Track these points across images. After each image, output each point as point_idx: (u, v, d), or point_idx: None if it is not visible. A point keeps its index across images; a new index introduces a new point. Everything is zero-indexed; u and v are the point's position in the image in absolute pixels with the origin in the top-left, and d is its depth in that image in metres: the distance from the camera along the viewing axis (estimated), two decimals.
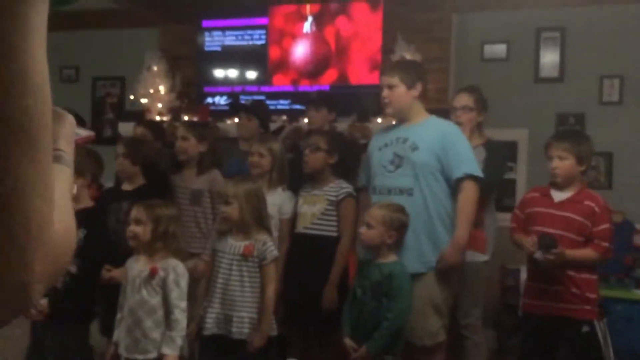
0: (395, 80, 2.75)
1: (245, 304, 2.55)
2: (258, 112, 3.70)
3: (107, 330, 3.03)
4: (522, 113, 4.20)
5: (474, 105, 3.13)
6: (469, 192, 2.64)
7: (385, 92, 2.77)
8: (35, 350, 2.74)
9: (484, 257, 3.07)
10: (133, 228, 2.44)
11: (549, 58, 4.23)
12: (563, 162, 2.71)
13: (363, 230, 2.52)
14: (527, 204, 2.89)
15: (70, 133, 0.70)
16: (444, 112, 3.64)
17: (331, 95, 4.07)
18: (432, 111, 3.78)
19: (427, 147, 2.68)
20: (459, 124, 3.01)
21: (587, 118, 4.12)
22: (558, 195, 2.76)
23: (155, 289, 2.37)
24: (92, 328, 3.26)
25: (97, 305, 3.08)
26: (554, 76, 4.22)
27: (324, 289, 2.84)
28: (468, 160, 2.68)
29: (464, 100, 3.15)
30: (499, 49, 4.30)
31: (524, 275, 3.77)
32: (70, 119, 0.72)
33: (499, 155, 3.13)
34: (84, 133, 0.97)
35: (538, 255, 2.64)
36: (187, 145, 3.21)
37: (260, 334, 2.54)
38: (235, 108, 3.98)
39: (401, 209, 2.58)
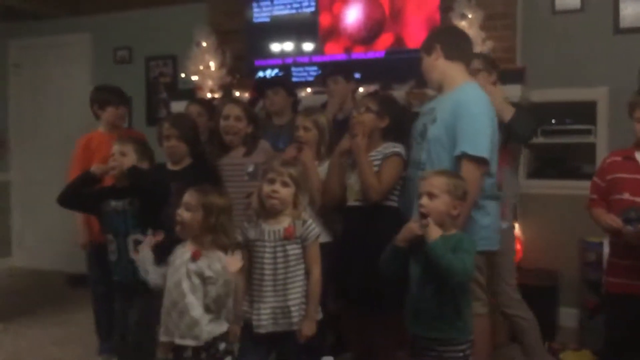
0: (421, 53, 2.64)
1: (296, 290, 2.37)
2: (282, 83, 3.63)
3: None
4: (600, 70, 3.79)
5: (480, 65, 2.92)
6: (463, 173, 2.37)
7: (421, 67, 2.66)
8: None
9: (501, 225, 2.76)
10: (182, 212, 2.28)
11: (631, 6, 3.78)
12: None
13: (424, 201, 2.17)
14: (608, 170, 2.58)
15: None
16: (514, 72, 3.34)
17: (345, 64, 3.87)
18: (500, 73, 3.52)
19: (442, 119, 2.51)
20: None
21: None
22: None
23: (192, 279, 2.23)
24: None
25: None
26: (637, 26, 3.76)
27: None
28: (471, 138, 2.42)
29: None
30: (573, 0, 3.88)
31: (606, 249, 3.45)
32: None
33: (524, 112, 2.87)
34: None
35: (629, 228, 2.34)
36: (241, 126, 3.06)
37: (309, 322, 2.37)
38: (259, 87, 3.81)
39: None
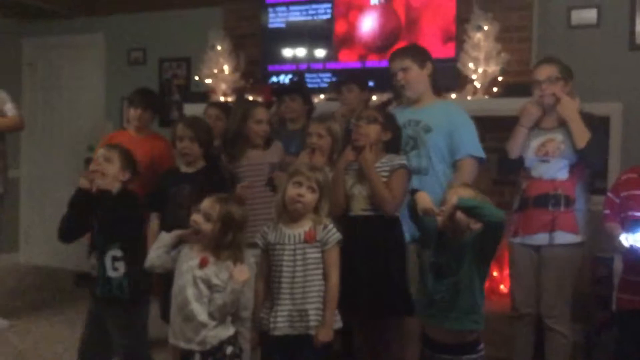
0: (407, 62, 2.91)
1: (315, 294, 2.37)
2: (300, 90, 3.66)
3: (169, 314, 2.98)
4: (615, 85, 3.78)
5: (559, 74, 2.85)
6: (466, 168, 2.82)
7: (400, 76, 2.92)
8: (94, 331, 2.69)
9: (576, 239, 2.80)
10: (200, 221, 2.25)
11: None
12: None
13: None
14: (622, 187, 2.58)
15: None
16: (528, 86, 3.33)
17: (360, 72, 3.88)
18: (513, 86, 3.53)
19: (439, 128, 2.85)
20: (545, 97, 2.83)
21: None
22: None
23: (199, 286, 2.22)
24: (153, 313, 3.23)
25: (157, 287, 3.02)
26: None
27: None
28: (472, 141, 2.86)
29: (547, 71, 2.87)
30: (589, 14, 3.88)
31: (618, 264, 3.43)
32: None
33: (597, 127, 2.83)
34: None
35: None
36: (266, 128, 3.14)
37: (326, 328, 2.36)
38: (277, 92, 3.85)
39: (481, 189, 2.31)
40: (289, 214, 2.41)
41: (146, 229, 2.94)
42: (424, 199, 2.28)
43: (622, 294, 2.54)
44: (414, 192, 2.36)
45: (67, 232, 2.68)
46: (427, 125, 2.89)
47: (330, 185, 2.59)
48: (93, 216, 2.61)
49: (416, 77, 2.92)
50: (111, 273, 2.56)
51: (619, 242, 2.42)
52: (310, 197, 2.38)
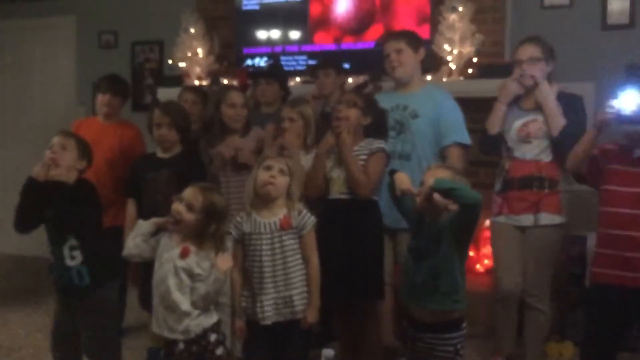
0: (402, 44, 2.95)
1: (297, 279, 2.40)
2: (277, 75, 3.64)
3: (147, 302, 2.97)
4: (587, 65, 3.82)
5: (541, 54, 2.87)
6: (454, 156, 2.88)
7: (394, 56, 2.95)
8: (63, 321, 2.66)
9: (558, 219, 2.86)
10: (181, 209, 2.22)
11: (618, 3, 3.82)
12: None
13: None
14: (604, 156, 2.59)
15: None
16: (502, 67, 3.36)
17: (336, 56, 3.86)
18: (488, 67, 3.55)
19: (426, 115, 2.91)
20: (524, 77, 2.86)
21: None
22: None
23: (180, 276, 2.21)
24: (132, 301, 3.22)
25: (135, 276, 3.01)
26: (624, 23, 3.81)
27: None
28: (459, 128, 2.93)
29: (529, 51, 2.88)
30: None
31: (590, 242, 3.50)
32: None
33: (577, 108, 2.87)
34: None
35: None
36: (244, 113, 3.11)
37: (313, 309, 2.40)
38: (253, 75, 3.83)
39: (459, 170, 2.35)
40: (262, 201, 2.40)
41: (107, 216, 2.91)
42: (402, 180, 2.30)
43: (595, 267, 2.59)
44: (392, 172, 2.38)
45: (21, 222, 2.59)
46: (414, 111, 2.94)
47: (300, 169, 2.59)
48: (48, 207, 2.53)
49: (409, 60, 2.96)
50: (69, 262, 2.54)
51: (607, 111, 2.41)
52: (281, 180, 2.38)
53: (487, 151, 3.09)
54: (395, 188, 2.31)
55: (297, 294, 2.39)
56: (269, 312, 2.37)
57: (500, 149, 3.00)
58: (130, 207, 3.05)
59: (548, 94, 2.81)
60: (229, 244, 2.40)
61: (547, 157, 2.85)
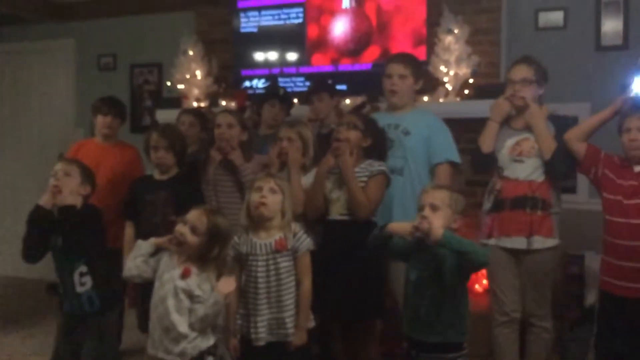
0: (408, 71, 3.02)
1: (289, 302, 2.39)
2: (286, 100, 3.64)
3: (146, 324, 2.95)
4: (582, 85, 3.86)
5: (534, 76, 2.88)
6: (443, 173, 2.98)
7: (396, 80, 3.01)
8: (65, 345, 2.65)
9: (551, 242, 2.83)
10: (185, 231, 2.22)
11: (611, 24, 3.87)
12: None
13: (427, 212, 2.20)
14: (606, 163, 2.62)
15: None
16: (496, 87, 3.39)
17: (327, 79, 3.87)
18: (484, 88, 3.59)
19: (417, 133, 2.99)
20: (515, 98, 2.86)
21: None
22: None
23: (180, 297, 2.20)
24: (130, 323, 3.20)
25: (134, 298, 3.00)
26: (617, 44, 3.85)
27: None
28: (450, 147, 3.03)
29: (522, 72, 2.89)
30: (556, 17, 3.96)
31: (589, 261, 3.51)
32: None
33: (563, 150, 2.83)
34: None
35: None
36: (234, 132, 3.05)
37: (300, 331, 2.39)
38: (266, 97, 3.77)
39: (453, 187, 2.36)
40: (256, 222, 2.41)
41: (108, 238, 2.90)
42: (401, 227, 2.25)
43: (604, 276, 2.58)
44: (383, 228, 2.31)
45: (30, 252, 2.59)
46: (406, 129, 3.01)
47: (293, 188, 2.60)
48: (55, 234, 2.54)
49: (409, 88, 3.05)
50: (79, 289, 2.54)
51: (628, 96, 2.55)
52: (272, 199, 2.39)
53: (479, 168, 3.10)
54: (392, 239, 2.28)
55: (288, 316, 2.38)
56: (262, 332, 2.37)
57: (493, 167, 3.00)
58: (129, 229, 3.05)
59: (540, 116, 2.83)
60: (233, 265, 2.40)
61: (539, 177, 2.82)
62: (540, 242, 2.79)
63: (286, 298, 2.38)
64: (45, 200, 2.53)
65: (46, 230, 2.54)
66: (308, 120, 3.42)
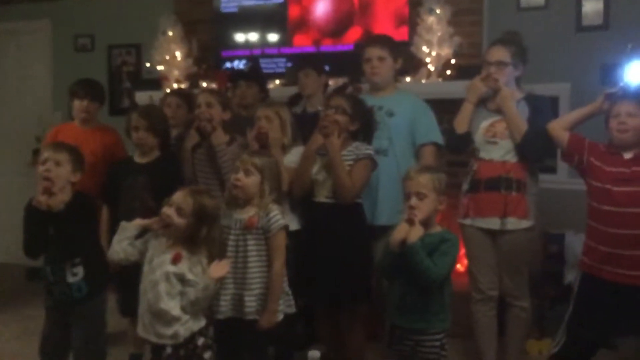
0: (385, 52, 3.07)
1: (254, 281, 2.38)
2: (257, 77, 3.62)
3: (127, 310, 2.93)
4: (563, 66, 3.88)
5: (509, 59, 2.87)
6: (428, 155, 3.04)
7: (375, 63, 3.07)
8: (54, 328, 2.63)
9: (525, 224, 2.84)
10: (171, 213, 2.19)
11: (592, 5, 3.88)
12: (634, 119, 2.47)
13: (414, 202, 2.22)
14: (592, 151, 2.63)
15: None
16: (478, 68, 3.38)
17: (315, 56, 3.83)
18: (466, 69, 3.58)
19: (402, 114, 3.04)
20: (488, 79, 2.88)
21: None
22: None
23: (171, 281, 2.18)
24: (112, 309, 3.17)
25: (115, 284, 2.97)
26: (598, 24, 3.87)
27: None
28: (434, 128, 3.09)
29: (498, 54, 2.89)
30: None
31: (568, 240, 3.55)
32: None
33: (544, 111, 2.87)
34: None
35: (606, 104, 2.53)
36: (214, 112, 2.98)
37: (268, 314, 2.38)
38: (233, 77, 3.77)
39: (435, 167, 2.37)
40: (234, 200, 2.42)
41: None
42: (397, 233, 2.25)
43: (586, 258, 2.59)
44: (387, 248, 2.31)
45: (32, 249, 2.53)
46: (390, 110, 3.04)
47: (274, 169, 2.54)
48: (49, 228, 2.48)
49: (388, 69, 3.10)
50: (71, 279, 2.51)
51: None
52: (246, 181, 2.38)
53: (453, 149, 3.10)
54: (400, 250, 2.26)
55: (249, 295, 2.37)
56: (224, 307, 2.38)
57: (467, 147, 3.00)
58: (104, 214, 3.00)
59: (509, 99, 2.83)
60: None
61: (513, 158, 2.83)
62: (514, 223, 2.81)
63: (251, 277, 2.38)
64: (38, 203, 2.43)
65: (42, 225, 2.47)
66: (296, 95, 3.38)
